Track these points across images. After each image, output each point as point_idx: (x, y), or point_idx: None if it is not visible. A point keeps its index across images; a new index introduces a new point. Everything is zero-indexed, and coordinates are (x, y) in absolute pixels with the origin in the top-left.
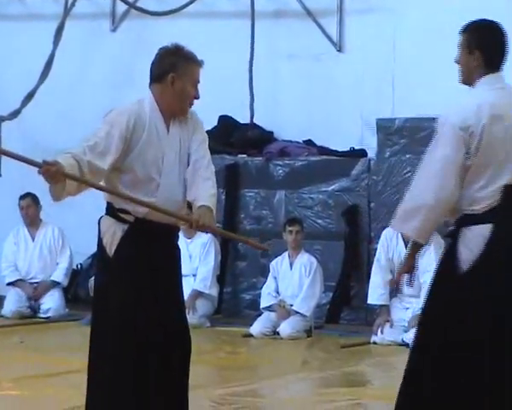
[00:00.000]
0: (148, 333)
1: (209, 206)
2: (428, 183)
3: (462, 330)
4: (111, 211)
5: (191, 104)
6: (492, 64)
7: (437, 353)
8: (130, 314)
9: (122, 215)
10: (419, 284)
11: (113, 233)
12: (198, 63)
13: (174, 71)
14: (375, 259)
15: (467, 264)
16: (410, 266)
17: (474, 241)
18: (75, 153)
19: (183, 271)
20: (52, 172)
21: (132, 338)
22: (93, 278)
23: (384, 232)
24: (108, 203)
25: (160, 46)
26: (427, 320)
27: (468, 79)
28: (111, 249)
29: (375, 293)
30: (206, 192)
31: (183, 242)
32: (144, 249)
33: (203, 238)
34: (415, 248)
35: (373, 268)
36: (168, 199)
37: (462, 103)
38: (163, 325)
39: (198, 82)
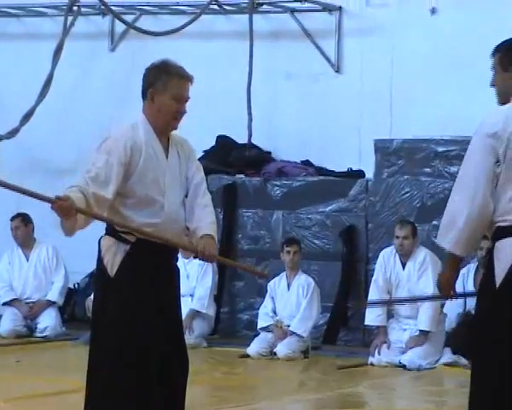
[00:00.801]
0: (149, 351)
1: (212, 235)
2: (462, 193)
3: (502, 344)
4: (112, 231)
5: (177, 119)
6: None
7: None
8: (132, 334)
9: (123, 235)
10: (416, 305)
11: (114, 254)
12: (181, 77)
13: (153, 86)
14: (373, 279)
15: (500, 277)
16: (448, 279)
17: (504, 253)
18: (80, 186)
19: (181, 290)
20: (65, 207)
21: (134, 357)
22: (91, 297)
23: (382, 253)
24: (109, 224)
25: None
26: (478, 340)
27: (505, 99)
28: (112, 270)
29: (373, 314)
30: (207, 220)
31: (180, 261)
32: (146, 270)
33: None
34: (451, 261)
35: (370, 289)
36: (172, 219)
37: (491, 113)
38: (163, 344)
39: (183, 96)
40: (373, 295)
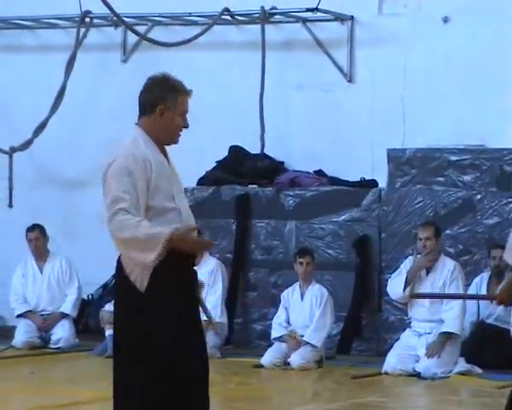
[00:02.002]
0: (192, 365)
1: None
2: None
3: None
4: None
5: (180, 134)
6: None
7: None
8: (180, 348)
9: None
10: (432, 308)
11: (143, 268)
12: (186, 93)
13: (163, 103)
14: (397, 271)
15: None
16: (505, 297)
17: None
18: (141, 219)
19: None
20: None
21: (181, 373)
22: (105, 308)
23: (408, 258)
24: None
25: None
26: None
27: None
28: (142, 285)
29: (397, 288)
30: None
31: None
32: (175, 278)
33: (209, 266)
34: None
35: (392, 276)
36: (189, 224)
37: None
38: (201, 355)
39: (186, 112)
40: (397, 276)
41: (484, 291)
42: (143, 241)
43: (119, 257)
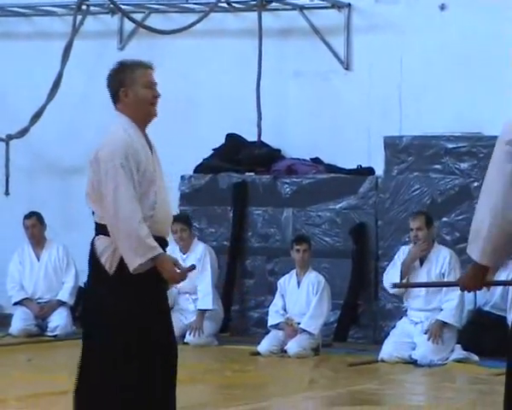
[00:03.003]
0: (158, 346)
1: None
2: (484, 202)
3: None
4: (106, 231)
5: (154, 104)
6: None
7: None
8: (139, 329)
9: None
10: (428, 297)
11: (114, 251)
12: (143, 65)
13: (122, 85)
14: (391, 263)
15: None
16: (472, 287)
17: None
18: (141, 218)
19: (182, 287)
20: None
21: (148, 353)
22: None
23: (402, 248)
24: (101, 224)
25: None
26: None
27: None
28: (111, 267)
29: (392, 279)
30: None
31: (178, 257)
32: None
33: (198, 252)
34: (477, 270)
35: (387, 269)
36: (165, 211)
37: (510, 119)
38: (166, 338)
39: (152, 82)
40: (391, 268)
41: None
42: (139, 242)
43: (93, 239)
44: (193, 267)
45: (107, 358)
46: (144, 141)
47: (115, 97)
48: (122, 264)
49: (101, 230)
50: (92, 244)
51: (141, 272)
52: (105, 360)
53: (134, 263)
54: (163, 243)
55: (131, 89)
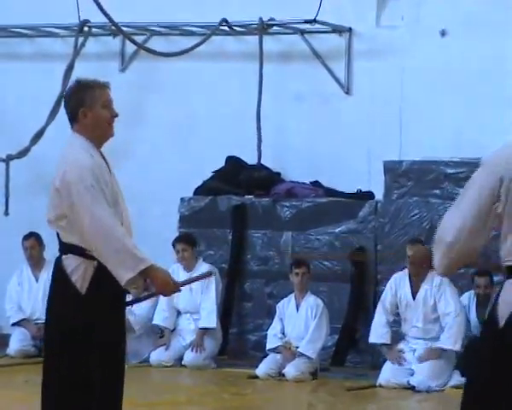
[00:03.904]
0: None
1: None
2: (452, 219)
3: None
4: (76, 250)
5: (111, 124)
6: None
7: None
8: (116, 350)
9: (90, 253)
10: (426, 327)
11: (85, 270)
12: (102, 86)
13: (82, 105)
14: (380, 300)
15: (503, 319)
16: None
17: (510, 294)
18: (124, 235)
19: (184, 306)
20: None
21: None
22: None
23: (394, 275)
24: (71, 245)
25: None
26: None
27: None
28: (83, 287)
29: (378, 332)
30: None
31: (182, 276)
32: (117, 283)
33: (201, 272)
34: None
35: (377, 308)
36: (129, 225)
37: (499, 149)
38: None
39: (110, 101)
40: (379, 314)
41: (473, 310)
42: (128, 255)
43: (60, 258)
44: (209, 274)
45: (75, 377)
46: (103, 161)
47: (73, 117)
48: (93, 283)
49: (68, 249)
50: (59, 263)
51: (109, 290)
52: (72, 379)
53: (125, 277)
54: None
55: (91, 109)
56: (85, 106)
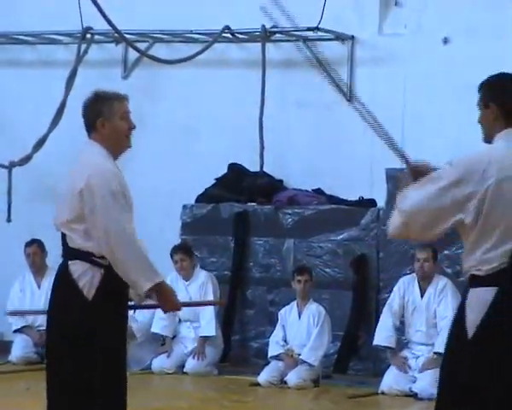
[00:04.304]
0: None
1: None
2: (415, 197)
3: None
4: (83, 256)
5: (129, 136)
6: (510, 116)
7: None
8: (118, 356)
9: (98, 260)
10: (429, 332)
11: (92, 277)
12: (121, 98)
13: (101, 115)
14: (387, 303)
15: (472, 328)
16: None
17: (478, 304)
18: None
19: (184, 314)
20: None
21: (120, 378)
22: None
23: (402, 279)
24: (78, 250)
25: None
26: (446, 381)
27: (489, 136)
28: (90, 293)
29: (383, 334)
30: None
31: (181, 284)
32: (121, 290)
33: (200, 279)
34: None
35: (383, 311)
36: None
37: (472, 158)
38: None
39: (128, 113)
40: (386, 317)
41: None
42: (147, 265)
43: (65, 263)
44: (222, 302)
45: (83, 380)
46: (119, 171)
47: (91, 127)
48: (100, 290)
49: (76, 254)
50: (64, 268)
51: (115, 297)
52: (80, 383)
53: (145, 287)
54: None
55: (109, 120)
56: (103, 116)
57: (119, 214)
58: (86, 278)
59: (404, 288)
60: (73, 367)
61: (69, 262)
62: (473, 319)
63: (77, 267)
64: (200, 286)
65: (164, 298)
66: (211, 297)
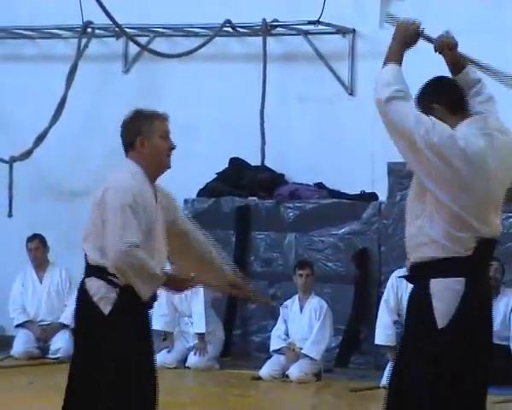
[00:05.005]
0: (147, 390)
1: None
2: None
3: (447, 383)
4: (100, 274)
5: (169, 156)
6: (457, 108)
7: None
8: (137, 373)
9: (112, 279)
10: None
11: (105, 293)
12: (160, 117)
13: (140, 134)
14: (383, 300)
15: (445, 319)
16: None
17: (448, 295)
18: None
19: (181, 309)
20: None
21: (138, 396)
22: None
23: (393, 274)
24: (96, 267)
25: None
26: (408, 375)
27: None
28: (106, 308)
29: (384, 333)
30: None
31: None
32: (137, 310)
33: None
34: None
35: (380, 308)
36: (160, 263)
37: (447, 131)
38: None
39: (168, 132)
40: (384, 314)
41: None
42: (148, 272)
43: (83, 280)
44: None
45: (110, 395)
46: (151, 190)
47: (130, 145)
48: (117, 304)
49: (92, 271)
50: (82, 285)
51: (134, 311)
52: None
53: (147, 294)
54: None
55: (149, 139)
56: (143, 135)
57: (120, 229)
58: (101, 293)
59: (397, 284)
60: (84, 368)
61: (86, 279)
62: (443, 309)
63: (92, 283)
64: None
65: (173, 287)
66: (201, 294)
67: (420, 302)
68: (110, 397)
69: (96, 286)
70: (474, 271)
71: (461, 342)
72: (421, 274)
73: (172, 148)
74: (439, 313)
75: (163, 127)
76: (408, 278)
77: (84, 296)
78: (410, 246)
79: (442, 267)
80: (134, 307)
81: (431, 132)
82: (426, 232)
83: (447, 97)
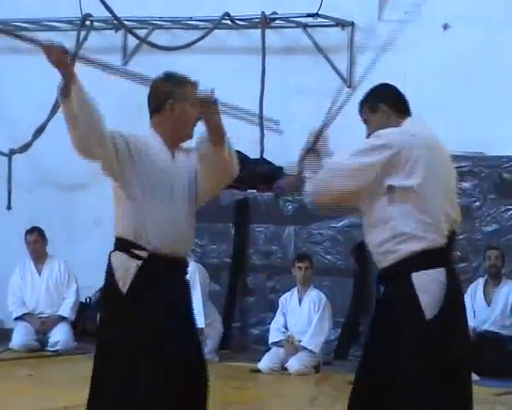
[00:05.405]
0: (167, 372)
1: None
2: (339, 164)
3: (439, 374)
4: (123, 246)
5: (195, 126)
6: (400, 109)
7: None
8: (146, 354)
9: (135, 251)
10: None
11: (127, 269)
12: (193, 84)
13: (171, 97)
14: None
15: (433, 310)
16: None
17: (434, 287)
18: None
19: None
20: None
21: (148, 376)
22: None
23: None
24: (119, 239)
25: None
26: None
27: None
28: (124, 286)
29: None
30: None
31: None
32: (159, 285)
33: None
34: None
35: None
36: (174, 230)
37: (392, 132)
38: (182, 363)
39: (197, 101)
40: None
41: (480, 297)
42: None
43: (110, 253)
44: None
45: (112, 378)
46: (168, 155)
47: (157, 108)
48: (134, 284)
49: (117, 244)
50: (109, 258)
51: (155, 293)
52: (110, 380)
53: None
54: (180, 262)
55: (180, 104)
56: (175, 98)
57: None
58: (122, 270)
59: None
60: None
61: (112, 252)
62: (429, 301)
63: (115, 258)
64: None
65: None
66: (198, 289)
67: (403, 297)
68: (117, 391)
69: (119, 261)
70: (450, 260)
71: (448, 331)
72: (400, 272)
73: (199, 118)
74: (426, 306)
75: (194, 95)
76: (382, 281)
77: (108, 270)
78: (382, 252)
79: (422, 260)
80: (158, 282)
81: (379, 141)
82: (401, 230)
83: (393, 98)
